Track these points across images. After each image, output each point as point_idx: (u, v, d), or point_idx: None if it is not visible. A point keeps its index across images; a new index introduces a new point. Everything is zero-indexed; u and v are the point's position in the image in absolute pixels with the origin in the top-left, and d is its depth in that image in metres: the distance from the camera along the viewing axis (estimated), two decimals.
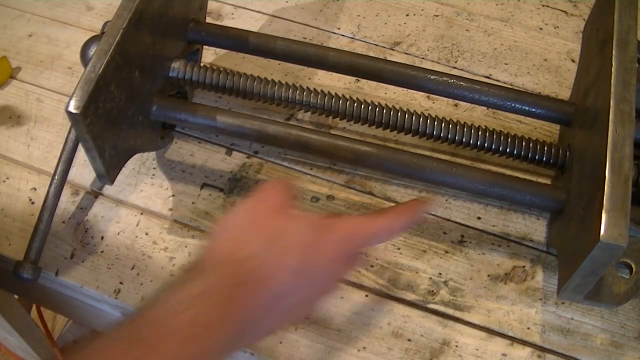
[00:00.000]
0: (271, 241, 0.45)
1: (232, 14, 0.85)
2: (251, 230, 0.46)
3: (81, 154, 0.69)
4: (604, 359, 0.59)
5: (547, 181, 0.68)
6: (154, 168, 0.71)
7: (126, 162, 0.65)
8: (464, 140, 0.65)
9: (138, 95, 0.62)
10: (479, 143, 0.64)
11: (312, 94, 0.66)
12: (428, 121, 0.65)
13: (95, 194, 0.69)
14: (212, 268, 0.44)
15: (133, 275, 0.64)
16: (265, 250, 0.44)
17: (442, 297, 0.62)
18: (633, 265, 0.60)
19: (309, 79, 0.78)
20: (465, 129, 0.65)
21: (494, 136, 0.64)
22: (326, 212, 0.67)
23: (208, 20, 0.77)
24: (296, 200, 0.49)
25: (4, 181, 0.70)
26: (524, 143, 0.64)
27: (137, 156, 0.68)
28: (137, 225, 0.67)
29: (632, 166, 0.52)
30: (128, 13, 0.58)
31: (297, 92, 0.66)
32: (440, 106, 0.75)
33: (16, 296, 0.98)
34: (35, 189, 0.69)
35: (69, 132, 0.66)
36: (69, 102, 0.53)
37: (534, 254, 0.65)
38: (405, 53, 0.81)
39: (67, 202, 0.68)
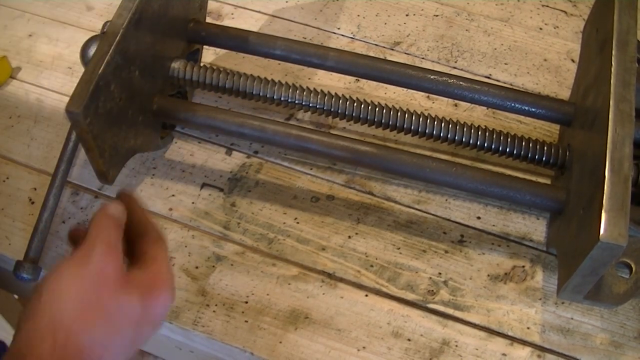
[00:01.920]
0: (104, 326, 0.43)
1: (232, 14, 0.85)
2: (83, 316, 0.43)
3: (81, 154, 0.69)
4: (604, 358, 0.59)
5: (547, 181, 0.68)
6: (154, 168, 0.71)
7: (126, 162, 0.65)
8: (463, 140, 0.65)
9: (138, 95, 0.62)
10: (478, 143, 0.64)
11: (312, 94, 0.66)
12: (428, 121, 0.65)
13: (95, 193, 0.69)
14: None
15: None
16: (100, 339, 0.43)
17: (441, 296, 0.62)
18: (633, 265, 0.60)
19: (309, 79, 0.78)
20: (465, 129, 0.65)
21: (494, 136, 0.64)
22: (325, 211, 0.67)
23: (208, 20, 0.77)
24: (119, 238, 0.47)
25: (4, 181, 0.70)
26: (523, 143, 0.64)
27: (137, 156, 0.68)
28: None
29: (632, 166, 0.52)
30: (128, 13, 0.58)
31: (297, 92, 0.66)
32: (440, 106, 0.75)
33: (16, 296, 0.98)
34: (35, 189, 0.69)
35: (69, 132, 0.66)
36: (69, 102, 0.53)
37: (533, 253, 0.65)
38: (405, 53, 0.81)
39: (67, 202, 0.68)
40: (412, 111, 0.65)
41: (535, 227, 0.67)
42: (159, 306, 0.46)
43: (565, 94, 0.76)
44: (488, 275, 0.64)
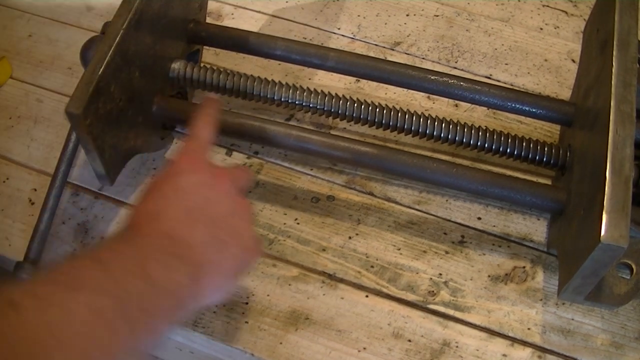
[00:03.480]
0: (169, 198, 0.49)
1: (232, 14, 0.85)
2: (156, 195, 0.50)
3: (81, 154, 0.69)
4: (605, 359, 0.59)
5: (548, 182, 0.68)
6: (154, 168, 0.71)
7: (126, 162, 0.65)
8: (464, 140, 0.64)
9: (138, 96, 0.62)
10: (479, 143, 0.64)
11: (312, 95, 0.66)
12: (428, 122, 0.65)
13: (95, 194, 0.69)
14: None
15: None
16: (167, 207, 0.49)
17: (442, 297, 0.62)
18: (634, 266, 0.60)
19: (309, 79, 0.78)
20: (465, 130, 0.65)
21: (495, 136, 0.64)
22: (325, 212, 0.67)
23: (208, 20, 0.77)
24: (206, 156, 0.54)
25: (4, 181, 0.70)
26: (524, 143, 0.64)
27: (137, 156, 0.68)
28: None
29: (633, 167, 0.52)
30: (128, 13, 0.58)
31: (297, 92, 0.66)
32: (441, 106, 0.75)
33: None
34: (35, 190, 0.69)
35: (70, 133, 0.66)
36: (69, 102, 0.53)
37: (534, 254, 0.65)
38: (406, 53, 0.81)
39: (67, 203, 0.68)
40: (412, 112, 0.65)
41: (535, 228, 0.67)
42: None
43: (565, 94, 0.76)
44: (489, 276, 0.64)
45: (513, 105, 0.66)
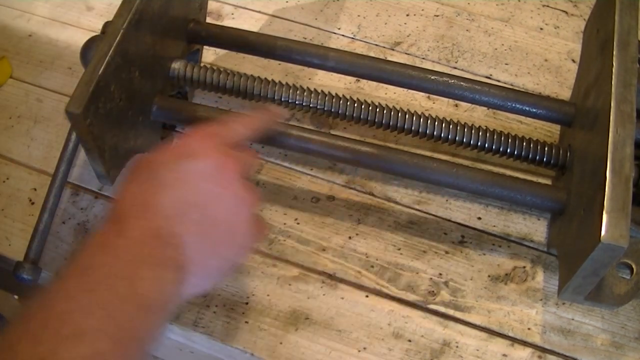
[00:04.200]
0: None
1: (232, 14, 0.85)
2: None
3: (81, 154, 0.69)
4: (605, 359, 0.59)
5: (548, 182, 0.68)
6: None
7: (126, 162, 0.65)
8: (464, 140, 0.64)
9: (138, 96, 0.62)
10: (479, 143, 0.64)
11: (312, 95, 0.66)
12: (428, 121, 0.65)
13: (95, 194, 0.69)
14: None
15: None
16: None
17: (442, 297, 0.62)
18: (634, 266, 0.59)
19: (309, 79, 0.78)
20: (465, 130, 0.65)
21: (495, 136, 0.64)
22: (325, 212, 0.67)
23: (208, 20, 0.77)
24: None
25: (4, 181, 0.70)
26: (524, 143, 0.64)
27: None
28: None
29: (633, 167, 0.52)
30: (128, 13, 0.58)
31: (297, 92, 0.66)
32: (441, 106, 0.75)
33: (16, 296, 0.98)
34: (35, 189, 0.69)
35: (70, 133, 0.66)
36: (69, 102, 0.53)
37: (534, 254, 0.65)
38: (406, 53, 0.81)
39: (67, 203, 0.68)
40: (412, 112, 0.65)
41: (536, 228, 0.67)
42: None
43: (565, 94, 0.76)
44: (489, 276, 0.64)
45: (513, 105, 0.66)
